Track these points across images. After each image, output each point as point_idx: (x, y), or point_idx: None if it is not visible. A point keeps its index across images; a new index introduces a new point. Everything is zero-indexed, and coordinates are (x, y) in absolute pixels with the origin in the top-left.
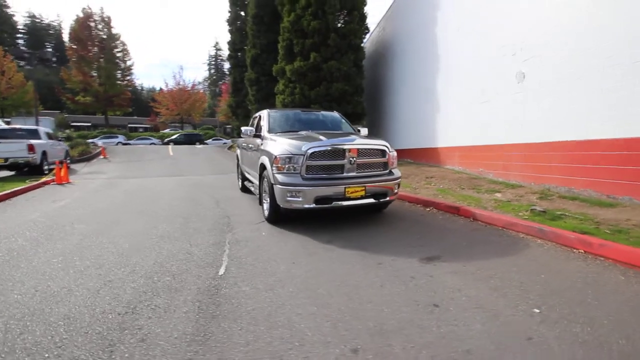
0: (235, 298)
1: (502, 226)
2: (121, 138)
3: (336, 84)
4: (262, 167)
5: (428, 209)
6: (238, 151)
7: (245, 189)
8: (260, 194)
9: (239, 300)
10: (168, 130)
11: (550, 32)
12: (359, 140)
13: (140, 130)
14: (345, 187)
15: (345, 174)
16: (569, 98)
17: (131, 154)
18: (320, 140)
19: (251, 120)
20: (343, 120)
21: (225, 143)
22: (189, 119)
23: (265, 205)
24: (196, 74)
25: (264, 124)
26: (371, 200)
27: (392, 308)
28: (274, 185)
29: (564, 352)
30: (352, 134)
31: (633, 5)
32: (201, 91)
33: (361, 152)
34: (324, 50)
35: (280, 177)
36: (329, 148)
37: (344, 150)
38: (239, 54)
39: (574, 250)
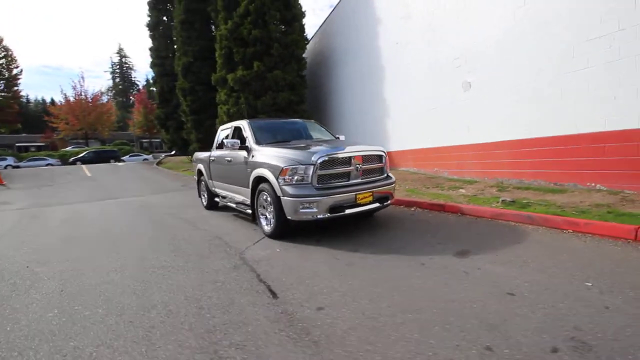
0: (318, 321)
1: (491, 217)
2: (10, 160)
3: (282, 93)
4: (258, 180)
5: (412, 209)
6: (200, 166)
7: (212, 206)
8: (254, 209)
9: (325, 322)
10: (70, 147)
11: (486, 49)
12: (360, 147)
13: (33, 149)
14: (355, 194)
15: (352, 181)
16: (508, 103)
17: (35, 177)
18: (323, 149)
19: (218, 132)
20: (323, 129)
21: (146, 159)
22: (95, 134)
23: (264, 221)
24: (94, 83)
25: (248, 135)
26: (377, 205)
27: (477, 302)
28: (282, 198)
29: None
30: (337, 140)
31: (551, 28)
32: (107, 102)
33: (365, 159)
34: (267, 60)
35: (289, 189)
36: (338, 156)
37: (350, 157)
38: (165, 61)
39: (564, 231)
